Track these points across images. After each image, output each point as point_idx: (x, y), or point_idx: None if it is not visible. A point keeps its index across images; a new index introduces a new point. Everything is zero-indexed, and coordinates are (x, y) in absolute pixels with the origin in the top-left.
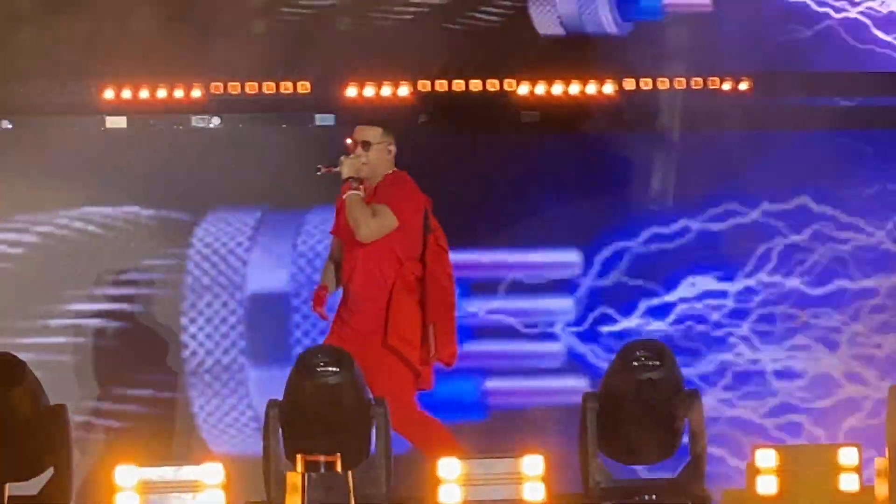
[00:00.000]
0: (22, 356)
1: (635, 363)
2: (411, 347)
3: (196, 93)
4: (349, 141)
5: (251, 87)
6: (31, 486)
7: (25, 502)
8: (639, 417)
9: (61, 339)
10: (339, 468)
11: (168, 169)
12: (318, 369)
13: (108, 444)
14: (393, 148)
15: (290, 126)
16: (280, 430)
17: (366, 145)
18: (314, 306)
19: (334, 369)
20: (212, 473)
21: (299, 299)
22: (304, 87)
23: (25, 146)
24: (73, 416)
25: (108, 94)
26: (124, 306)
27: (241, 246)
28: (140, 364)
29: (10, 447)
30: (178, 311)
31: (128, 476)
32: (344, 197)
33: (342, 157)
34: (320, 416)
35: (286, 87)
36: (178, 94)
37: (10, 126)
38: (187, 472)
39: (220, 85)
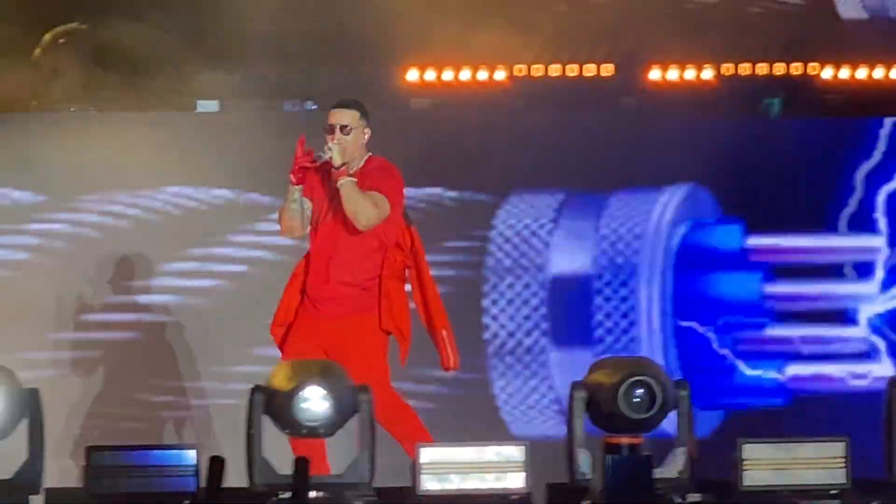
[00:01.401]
0: None
1: None
2: (402, 337)
3: (500, 74)
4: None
5: (554, 70)
6: (333, 467)
7: (329, 480)
8: None
9: None
10: (641, 451)
11: (471, 151)
12: (634, 403)
13: None
14: (368, 131)
15: (592, 109)
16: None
17: (344, 129)
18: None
19: (649, 408)
20: (514, 454)
21: (601, 281)
22: (607, 69)
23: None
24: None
25: (412, 75)
26: None
27: (544, 228)
28: None
29: None
30: (480, 293)
31: (429, 455)
32: (339, 184)
33: (330, 144)
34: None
35: (589, 69)
36: (482, 76)
37: (315, 107)
38: (489, 453)
39: (524, 67)
